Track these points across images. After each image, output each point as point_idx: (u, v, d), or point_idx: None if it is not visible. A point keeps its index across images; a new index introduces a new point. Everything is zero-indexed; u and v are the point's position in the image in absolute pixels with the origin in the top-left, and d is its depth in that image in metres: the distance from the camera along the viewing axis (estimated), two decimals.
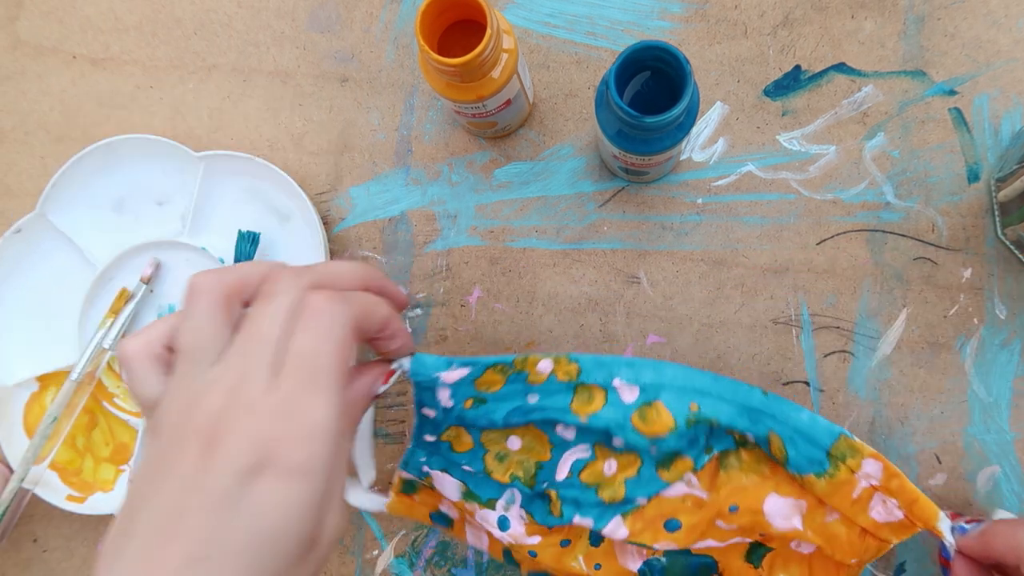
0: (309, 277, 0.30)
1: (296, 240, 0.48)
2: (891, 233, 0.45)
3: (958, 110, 0.45)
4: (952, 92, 0.45)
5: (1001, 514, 0.38)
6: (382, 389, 0.34)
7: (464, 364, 0.36)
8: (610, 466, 0.38)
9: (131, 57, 0.51)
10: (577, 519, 0.38)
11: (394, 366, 0.35)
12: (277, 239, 0.48)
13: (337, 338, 0.28)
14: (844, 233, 0.46)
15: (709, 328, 0.46)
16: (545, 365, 0.36)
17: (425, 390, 0.36)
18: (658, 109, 0.36)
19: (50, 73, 0.51)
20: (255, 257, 0.47)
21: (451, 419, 0.38)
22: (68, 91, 0.51)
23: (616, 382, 0.36)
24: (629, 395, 0.36)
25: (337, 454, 0.27)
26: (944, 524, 0.36)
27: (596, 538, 0.41)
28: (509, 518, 0.40)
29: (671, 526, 0.39)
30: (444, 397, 0.37)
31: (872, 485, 0.36)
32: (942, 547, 0.37)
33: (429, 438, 0.39)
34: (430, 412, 0.37)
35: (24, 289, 0.49)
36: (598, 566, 0.40)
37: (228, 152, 0.47)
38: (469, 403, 0.37)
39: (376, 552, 0.48)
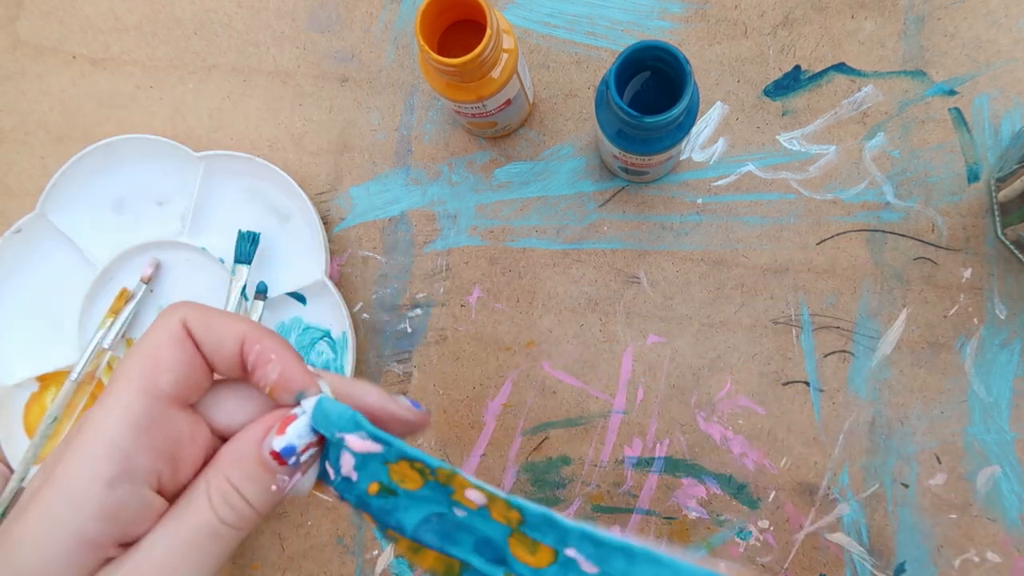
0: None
1: (296, 240, 0.48)
2: (891, 233, 0.45)
3: (958, 110, 0.45)
4: (952, 92, 0.45)
5: None
6: (280, 445, 0.24)
7: (375, 438, 0.25)
8: None
9: (131, 57, 0.51)
10: None
11: (296, 411, 0.25)
12: (277, 239, 0.48)
13: (147, 341, 0.24)
14: (844, 233, 0.46)
15: (709, 328, 0.46)
16: (476, 497, 0.26)
17: (331, 445, 0.26)
18: (658, 109, 0.36)
19: (50, 73, 0.51)
20: (255, 257, 0.47)
21: (351, 498, 0.27)
22: (68, 91, 0.51)
23: (571, 552, 0.26)
24: (588, 568, 0.26)
25: (119, 476, 0.23)
26: None
27: None
28: None
29: None
30: (347, 466, 0.26)
31: None
32: None
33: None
34: (330, 471, 0.27)
35: (24, 289, 0.49)
36: None
37: (228, 152, 0.47)
38: (375, 488, 0.26)
39: (376, 552, 0.48)
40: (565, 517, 0.26)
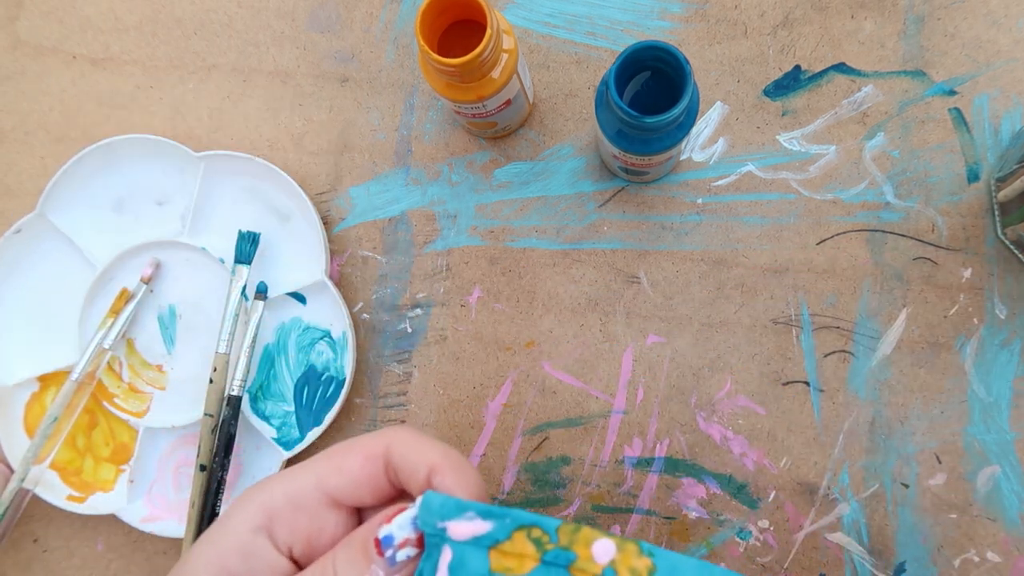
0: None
1: (296, 240, 0.48)
2: (891, 233, 0.45)
3: (958, 110, 0.45)
4: (952, 92, 0.45)
5: None
6: (382, 533, 0.25)
7: (486, 514, 0.24)
8: None
9: (131, 57, 0.51)
10: None
11: (409, 508, 0.26)
12: (277, 239, 0.48)
13: (349, 445, 0.28)
14: (844, 233, 0.46)
15: (709, 328, 0.46)
16: (604, 549, 0.24)
17: (431, 548, 0.25)
18: (658, 109, 0.36)
19: (50, 73, 0.51)
20: (255, 257, 0.47)
21: None
22: (68, 91, 0.51)
23: None
24: None
25: (261, 528, 0.27)
26: None
27: None
28: None
29: None
30: (443, 568, 0.25)
31: None
32: None
33: None
34: None
35: (24, 289, 0.49)
36: None
37: (228, 152, 0.47)
38: None
39: None
40: (699, 559, 0.25)
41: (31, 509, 0.50)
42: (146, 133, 0.49)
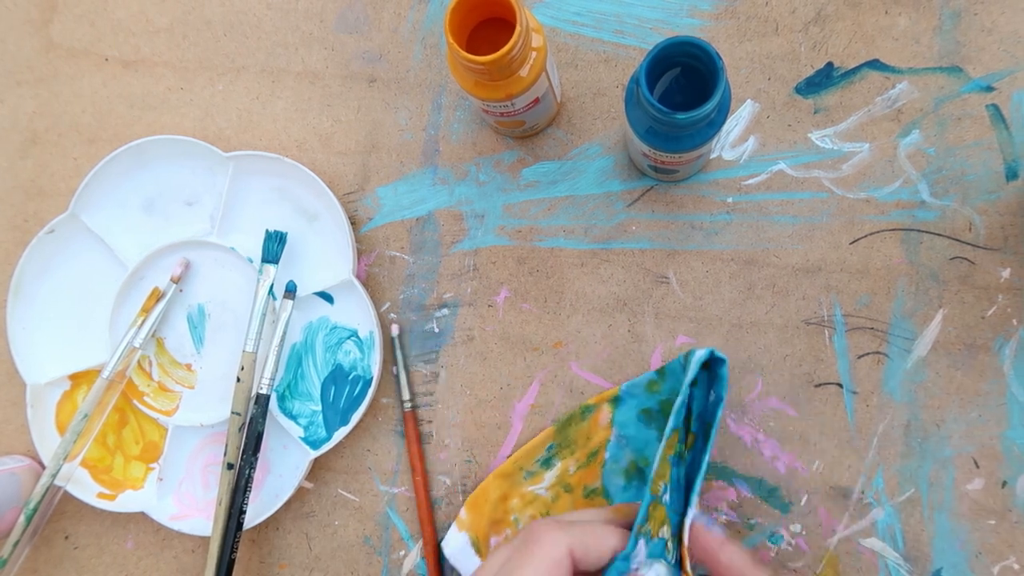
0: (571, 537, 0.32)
1: (324, 240, 0.48)
2: (926, 232, 0.44)
3: (996, 106, 0.44)
4: (989, 88, 0.44)
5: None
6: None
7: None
8: None
9: (162, 59, 0.51)
10: None
11: None
12: (305, 239, 0.48)
13: (542, 566, 0.30)
14: (878, 232, 0.45)
15: (739, 329, 0.46)
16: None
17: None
18: (687, 106, 0.35)
19: (82, 75, 0.52)
20: (283, 257, 0.47)
21: None
22: (100, 93, 0.52)
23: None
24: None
25: None
26: None
27: None
28: None
29: None
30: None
31: None
32: None
33: None
34: None
35: (56, 288, 0.50)
36: None
37: (257, 152, 0.47)
38: None
39: (403, 552, 0.47)
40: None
41: (62, 506, 0.50)
42: (176, 134, 0.49)
